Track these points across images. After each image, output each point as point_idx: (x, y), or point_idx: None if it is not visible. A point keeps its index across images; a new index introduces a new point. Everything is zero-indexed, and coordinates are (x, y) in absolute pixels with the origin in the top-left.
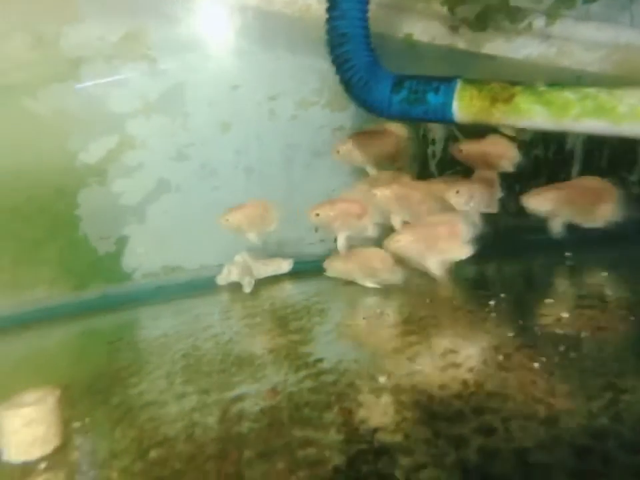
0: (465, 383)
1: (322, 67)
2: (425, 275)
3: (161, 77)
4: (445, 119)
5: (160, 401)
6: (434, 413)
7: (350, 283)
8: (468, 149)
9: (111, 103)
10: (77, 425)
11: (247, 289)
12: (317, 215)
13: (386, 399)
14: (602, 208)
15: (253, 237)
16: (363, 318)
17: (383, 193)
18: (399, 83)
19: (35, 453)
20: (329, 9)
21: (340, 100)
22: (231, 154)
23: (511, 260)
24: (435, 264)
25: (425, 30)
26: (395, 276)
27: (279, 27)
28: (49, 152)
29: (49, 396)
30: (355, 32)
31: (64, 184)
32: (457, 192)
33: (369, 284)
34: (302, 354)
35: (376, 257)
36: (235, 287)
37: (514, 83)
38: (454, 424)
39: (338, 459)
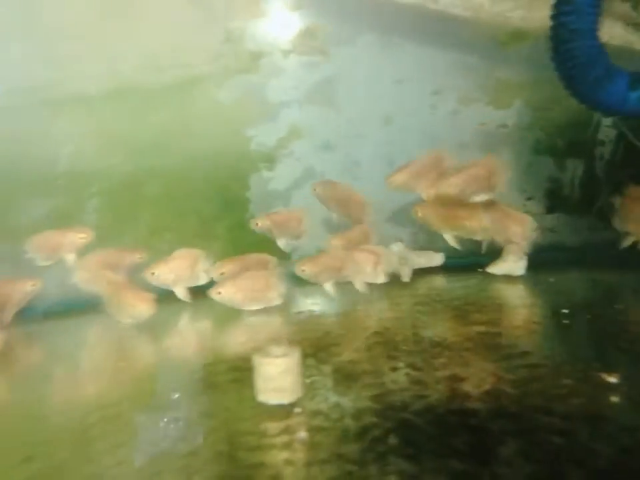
0: None
1: (486, 65)
2: None
3: (332, 71)
4: None
5: (375, 370)
6: None
7: (505, 281)
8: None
9: (284, 95)
10: (307, 381)
11: (406, 278)
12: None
13: (628, 400)
14: None
15: (180, 291)
16: (545, 317)
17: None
18: (637, 80)
19: (286, 399)
20: (559, 4)
21: (504, 98)
22: (385, 146)
23: None
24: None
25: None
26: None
27: (447, 25)
28: (228, 138)
29: (293, 351)
30: (587, 27)
31: (238, 168)
32: None
33: (253, 307)
34: (501, 345)
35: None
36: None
37: None
38: None
39: (608, 452)
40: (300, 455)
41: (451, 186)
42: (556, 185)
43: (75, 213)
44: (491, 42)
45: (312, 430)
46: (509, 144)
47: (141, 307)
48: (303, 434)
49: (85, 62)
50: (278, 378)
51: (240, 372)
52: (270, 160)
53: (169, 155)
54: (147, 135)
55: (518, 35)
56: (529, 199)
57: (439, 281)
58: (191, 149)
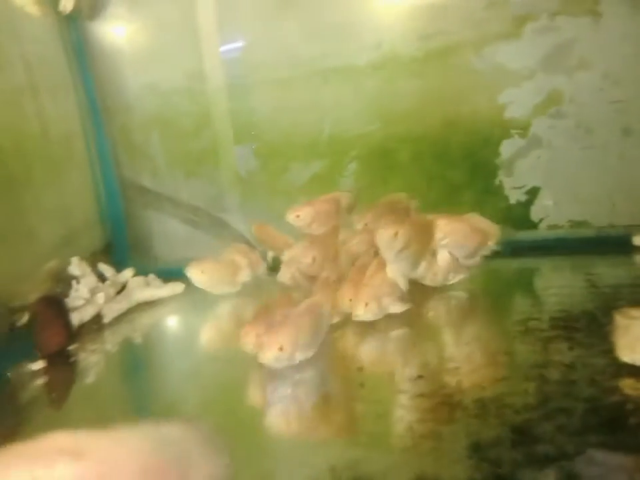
0: None
1: None
2: None
3: (603, 33)
4: None
5: None
6: None
7: None
8: None
9: (549, 59)
10: None
11: None
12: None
13: None
14: None
15: None
16: None
17: None
18: None
19: None
20: None
21: None
22: None
23: None
24: None
25: None
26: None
27: None
28: (482, 104)
29: None
30: None
31: (490, 134)
32: None
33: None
34: None
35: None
36: None
37: None
38: None
39: None
40: None
41: None
42: None
43: (334, 176)
44: None
45: None
46: None
47: None
48: None
49: (354, 33)
50: None
51: (556, 330)
52: (523, 127)
53: (423, 122)
54: (404, 102)
55: None
56: None
57: None
58: (444, 116)
